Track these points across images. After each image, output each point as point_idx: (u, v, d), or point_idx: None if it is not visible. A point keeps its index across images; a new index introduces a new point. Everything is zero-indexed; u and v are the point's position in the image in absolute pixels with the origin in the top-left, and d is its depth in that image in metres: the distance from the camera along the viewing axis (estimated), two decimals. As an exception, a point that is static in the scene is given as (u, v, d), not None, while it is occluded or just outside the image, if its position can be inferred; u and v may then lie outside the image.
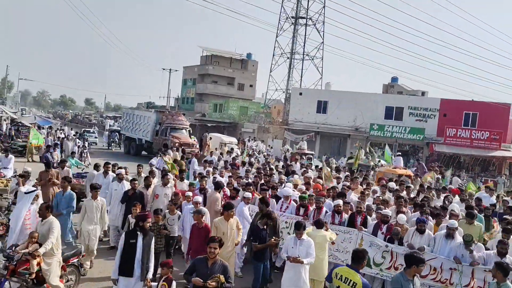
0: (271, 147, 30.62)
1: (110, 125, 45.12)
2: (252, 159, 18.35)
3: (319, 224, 7.78)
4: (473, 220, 8.77)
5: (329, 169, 13.36)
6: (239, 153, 21.28)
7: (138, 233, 6.52)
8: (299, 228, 7.15)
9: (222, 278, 5.56)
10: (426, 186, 13.14)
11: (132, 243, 6.45)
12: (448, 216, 9.26)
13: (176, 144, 22.55)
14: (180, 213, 9.09)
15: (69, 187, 9.55)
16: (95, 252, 8.78)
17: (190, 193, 9.76)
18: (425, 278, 7.50)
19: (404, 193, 11.73)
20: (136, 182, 10.17)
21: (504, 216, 10.01)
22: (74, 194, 9.49)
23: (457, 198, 12.16)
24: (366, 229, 8.73)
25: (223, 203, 8.92)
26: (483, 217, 9.88)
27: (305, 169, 14.60)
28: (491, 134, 33.02)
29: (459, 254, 7.52)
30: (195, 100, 64.15)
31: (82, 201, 10.63)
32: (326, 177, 12.71)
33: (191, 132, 26.20)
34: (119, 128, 37.09)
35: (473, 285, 7.24)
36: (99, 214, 8.72)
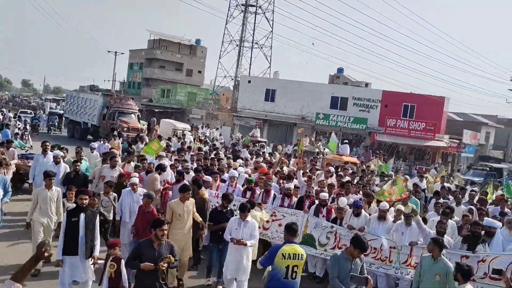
0: (220, 134, 30.59)
1: (51, 108, 43.08)
2: (202, 145, 18.27)
3: (242, 208, 7.27)
4: (407, 202, 9.35)
5: (279, 155, 13.60)
6: (192, 140, 21.05)
7: (80, 211, 6.39)
8: (243, 210, 7.08)
9: (172, 258, 5.50)
10: (369, 171, 13.76)
11: (74, 222, 6.29)
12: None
13: (125, 129, 22.02)
14: (115, 194, 8.76)
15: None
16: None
17: (136, 174, 9.62)
18: (366, 257, 7.84)
19: (346, 179, 12.15)
20: (78, 164, 9.95)
21: (444, 201, 10.61)
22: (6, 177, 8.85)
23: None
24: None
25: (173, 186, 8.84)
26: (418, 200, 10.57)
27: (255, 155, 14.79)
28: (427, 125, 34.79)
29: (399, 232, 7.96)
30: (141, 84, 62.57)
31: (27, 183, 10.16)
32: (277, 162, 12.94)
33: (140, 117, 25.57)
34: (61, 111, 35.51)
35: (410, 261, 7.71)
36: (54, 205, 7.84)
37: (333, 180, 11.82)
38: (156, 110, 42.31)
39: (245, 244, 6.93)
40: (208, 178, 9.53)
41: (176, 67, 62.96)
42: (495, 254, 7.00)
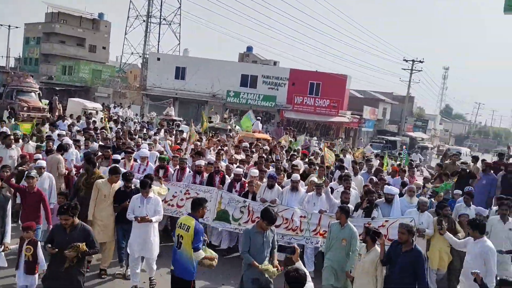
0: (137, 114, 29.44)
1: None
2: (114, 125, 17.45)
3: (143, 184, 6.98)
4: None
5: (194, 132, 13.40)
6: (101, 118, 19.89)
7: None
8: (144, 186, 6.87)
9: (82, 246, 5.17)
10: (280, 147, 14.15)
11: None
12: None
13: (25, 108, 20.25)
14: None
15: None
16: None
17: (39, 155, 9.12)
18: (278, 228, 8.10)
19: (256, 154, 12.38)
20: None
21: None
22: None
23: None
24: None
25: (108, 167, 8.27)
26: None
27: (168, 133, 14.47)
28: (331, 102, 36.49)
29: (311, 203, 8.31)
30: (39, 61, 57.65)
31: None
32: (189, 140, 12.82)
33: (41, 95, 23.55)
34: None
35: (319, 230, 8.13)
36: None
37: (243, 156, 11.97)
38: (58, 88, 39.50)
39: (150, 221, 6.78)
40: (116, 156, 9.15)
41: (78, 43, 58.82)
42: (394, 219, 7.63)
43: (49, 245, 5.22)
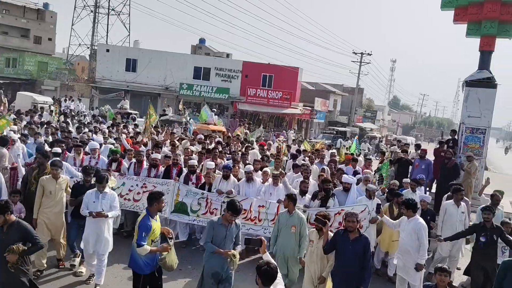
0: (92, 109, 28.36)
1: None
2: (63, 118, 16.76)
3: (100, 179, 6.76)
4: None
5: (149, 125, 13.11)
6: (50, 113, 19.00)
7: None
8: (101, 181, 6.64)
9: (18, 247, 4.92)
10: (237, 139, 14.18)
11: None
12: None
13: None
14: None
15: None
16: None
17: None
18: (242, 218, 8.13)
19: (212, 145, 12.34)
20: None
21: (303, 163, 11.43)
22: None
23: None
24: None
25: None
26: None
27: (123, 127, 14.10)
28: (284, 94, 36.88)
29: (267, 193, 8.43)
30: (-20, 52, 54.28)
31: None
32: (144, 132, 12.57)
33: None
34: None
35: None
36: None
37: (199, 148, 11.90)
38: (1, 82, 37.41)
39: (106, 216, 6.57)
40: (56, 149, 8.76)
41: (22, 34, 55.70)
42: (350, 206, 7.87)
43: None
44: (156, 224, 5.55)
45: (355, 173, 10.24)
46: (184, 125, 17.67)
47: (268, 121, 37.38)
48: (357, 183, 8.99)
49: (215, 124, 17.34)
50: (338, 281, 5.74)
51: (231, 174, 8.79)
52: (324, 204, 7.97)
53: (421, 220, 6.66)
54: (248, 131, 17.50)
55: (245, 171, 8.86)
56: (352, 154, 13.32)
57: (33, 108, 20.57)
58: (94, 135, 12.30)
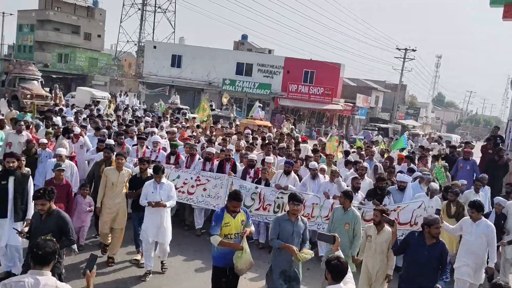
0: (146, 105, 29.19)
1: None
2: (120, 113, 17.28)
3: (156, 169, 6.93)
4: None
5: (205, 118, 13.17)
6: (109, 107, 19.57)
7: (9, 174, 6.09)
8: (157, 171, 6.78)
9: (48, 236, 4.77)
10: (286, 134, 14.13)
11: (3, 185, 6.04)
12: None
13: (28, 96, 19.96)
14: (28, 169, 7.48)
15: None
16: None
17: (45, 140, 9.07)
18: None
19: (259, 141, 12.33)
20: None
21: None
22: None
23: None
24: (235, 175, 8.93)
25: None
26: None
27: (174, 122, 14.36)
28: (325, 90, 36.50)
29: (326, 190, 8.31)
30: (34, 48, 56.72)
31: None
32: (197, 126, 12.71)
33: (43, 83, 23.18)
34: None
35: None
36: None
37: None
38: (54, 76, 38.95)
39: (165, 206, 6.71)
40: (109, 141, 9.03)
41: (73, 30, 57.90)
42: (405, 204, 7.68)
43: (18, 231, 5.15)
44: (231, 220, 5.33)
45: (411, 170, 9.98)
46: (232, 120, 17.78)
47: (309, 117, 37.14)
48: (413, 181, 8.76)
49: (261, 119, 17.40)
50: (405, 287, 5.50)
51: (292, 170, 8.69)
52: (380, 202, 7.81)
53: (490, 222, 6.42)
54: (294, 127, 17.40)
55: (309, 168, 8.73)
56: (403, 149, 13.00)
57: (92, 103, 21.29)
58: (155, 129, 12.51)
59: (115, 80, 40.88)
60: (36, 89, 21.17)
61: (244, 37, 49.68)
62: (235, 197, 5.34)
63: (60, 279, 4.82)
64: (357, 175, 8.40)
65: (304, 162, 9.73)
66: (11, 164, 6.09)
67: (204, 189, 8.86)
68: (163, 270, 7.12)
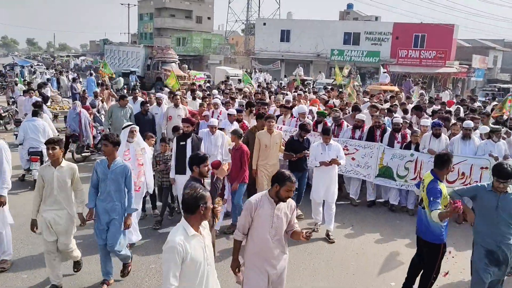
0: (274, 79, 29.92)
1: (76, 64, 42.13)
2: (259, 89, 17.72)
3: (326, 131, 6.97)
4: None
5: (352, 87, 12.76)
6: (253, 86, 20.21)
7: (186, 136, 6.80)
8: (327, 133, 6.83)
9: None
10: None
11: (183, 145, 6.74)
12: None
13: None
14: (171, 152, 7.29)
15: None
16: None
17: (208, 112, 9.51)
18: (453, 184, 7.41)
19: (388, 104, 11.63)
20: (148, 105, 10.10)
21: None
22: None
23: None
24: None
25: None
26: None
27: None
28: (437, 53, 33.75)
29: (487, 151, 7.46)
30: (153, 35, 60.52)
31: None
32: (349, 95, 12.38)
33: (180, 65, 24.94)
34: (133, 69, 34.47)
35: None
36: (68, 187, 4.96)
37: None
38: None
39: (339, 163, 6.78)
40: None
41: (186, 15, 60.54)
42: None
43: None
44: (444, 189, 4.69)
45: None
46: (357, 88, 17.21)
47: (422, 82, 34.67)
48: None
49: (387, 85, 16.64)
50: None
51: (442, 132, 8.04)
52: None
53: None
54: (424, 91, 16.24)
55: (463, 127, 7.90)
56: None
57: (226, 79, 22.29)
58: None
59: (229, 58, 42.05)
60: (176, 70, 22.68)
61: (350, 6, 47.49)
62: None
63: None
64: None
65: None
66: (187, 128, 6.81)
67: (353, 159, 8.54)
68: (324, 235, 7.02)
